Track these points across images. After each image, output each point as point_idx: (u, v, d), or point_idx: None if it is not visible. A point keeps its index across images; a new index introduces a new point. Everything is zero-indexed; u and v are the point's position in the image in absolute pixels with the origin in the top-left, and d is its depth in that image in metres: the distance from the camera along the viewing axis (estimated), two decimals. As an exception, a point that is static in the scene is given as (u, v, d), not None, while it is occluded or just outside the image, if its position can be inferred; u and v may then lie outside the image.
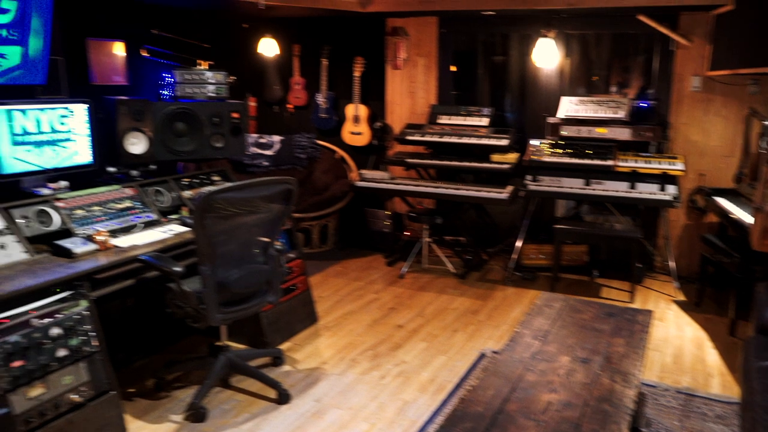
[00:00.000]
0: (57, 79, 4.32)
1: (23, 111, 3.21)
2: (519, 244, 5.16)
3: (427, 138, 5.36)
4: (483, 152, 5.27)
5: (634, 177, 4.76)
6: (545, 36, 5.05)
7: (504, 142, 5.12)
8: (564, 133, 5.05)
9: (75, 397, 2.58)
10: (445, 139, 5.29)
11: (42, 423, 2.45)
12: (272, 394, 3.23)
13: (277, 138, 6.04)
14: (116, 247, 2.99)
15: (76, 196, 3.17)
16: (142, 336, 3.64)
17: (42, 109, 3.29)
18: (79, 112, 3.49)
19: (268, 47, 5.84)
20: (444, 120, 5.48)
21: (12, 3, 3.48)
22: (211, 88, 4.11)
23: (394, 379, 3.47)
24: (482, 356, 3.75)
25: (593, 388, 2.30)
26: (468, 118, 5.43)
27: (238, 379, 3.38)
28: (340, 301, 4.65)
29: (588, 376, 2.40)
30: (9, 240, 2.76)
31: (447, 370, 3.57)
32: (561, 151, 4.99)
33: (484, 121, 5.36)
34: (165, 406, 3.14)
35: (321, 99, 5.99)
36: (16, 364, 2.39)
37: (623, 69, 5.59)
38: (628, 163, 4.79)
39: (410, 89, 5.82)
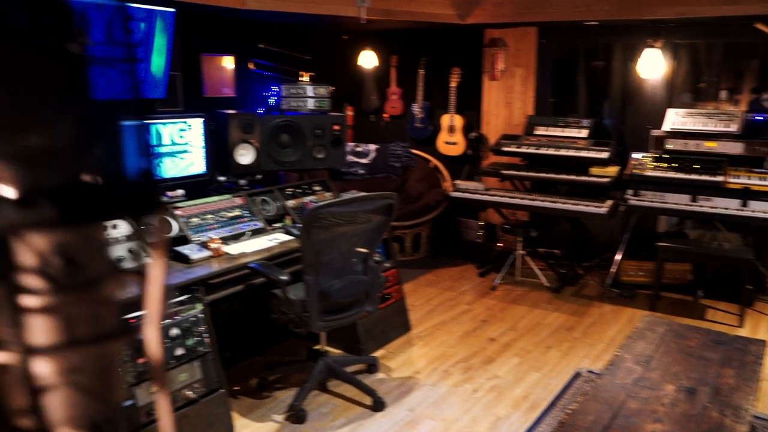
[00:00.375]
0: (174, 92, 4.65)
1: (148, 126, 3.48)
2: (617, 259, 5.01)
3: (524, 149, 5.31)
4: (581, 165, 5.16)
5: (746, 194, 4.50)
6: (652, 46, 4.88)
7: (604, 155, 4.99)
8: (669, 146, 4.86)
9: (189, 394, 2.78)
10: (542, 150, 5.23)
11: (161, 416, 2.65)
12: (367, 400, 3.32)
13: (372, 147, 6.18)
14: (227, 254, 3.18)
15: (192, 205, 3.41)
16: (245, 337, 3.85)
17: (164, 123, 3.55)
18: (196, 125, 3.73)
19: (368, 59, 5.99)
20: (541, 131, 5.41)
21: (140, 25, 3.77)
22: (314, 101, 4.27)
23: (486, 393, 3.48)
24: (578, 375, 3.68)
25: (701, 421, 2.23)
26: (566, 129, 5.33)
27: (335, 383, 3.50)
28: (432, 311, 4.70)
29: (695, 407, 2.31)
30: (136, 245, 3.01)
31: (541, 388, 3.53)
32: (665, 165, 4.80)
33: (584, 133, 5.25)
34: (267, 405, 3.31)
35: (417, 109, 6.07)
36: (141, 360, 2.61)
37: (735, 79, 5.30)
38: (740, 180, 4.54)
39: (507, 100, 5.79)
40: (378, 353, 3.93)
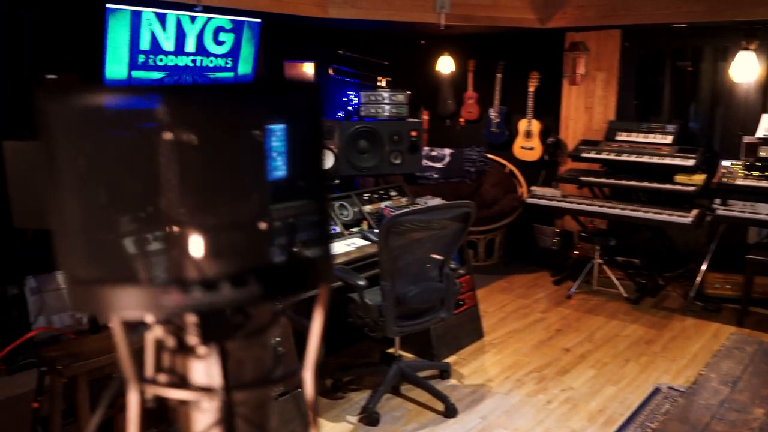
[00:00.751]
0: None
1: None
2: (702, 270, 4.81)
3: (604, 156, 5.18)
4: (665, 172, 4.97)
5: None
6: (746, 48, 4.65)
7: (690, 163, 4.80)
8: (763, 154, 4.61)
9: (269, 391, 2.90)
10: (624, 157, 5.08)
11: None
12: (440, 406, 3.35)
13: (447, 151, 6.19)
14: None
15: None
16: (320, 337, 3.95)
17: (250, 130, 3.71)
18: (279, 131, 3.87)
19: (445, 64, 6.01)
20: (623, 137, 5.26)
21: (229, 35, 3.95)
22: (392, 108, 4.34)
23: (560, 404, 3.43)
24: (657, 391, 3.57)
25: (793, 448, 2.12)
26: (650, 135, 5.16)
27: (407, 388, 3.55)
28: (505, 318, 4.67)
29: (786, 434, 2.21)
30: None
31: (617, 402, 3.45)
32: (758, 173, 4.57)
33: (668, 139, 5.07)
34: (342, 406, 3.40)
35: (493, 113, 6.03)
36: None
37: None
38: (840, 191, 4.26)
39: (587, 104, 5.66)
40: (450, 359, 3.95)
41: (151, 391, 0.60)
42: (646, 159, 4.99)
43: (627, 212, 4.81)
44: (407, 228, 2.96)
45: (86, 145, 0.53)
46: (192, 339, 0.58)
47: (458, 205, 3.02)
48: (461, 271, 4.07)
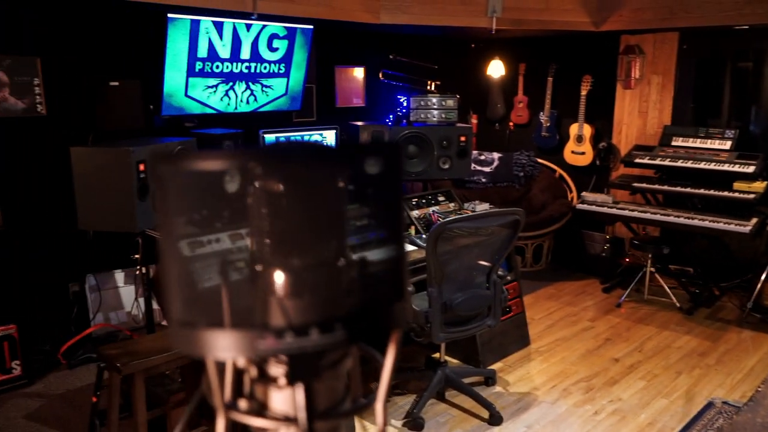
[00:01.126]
0: (310, 103, 4.92)
1: (287, 137, 3.73)
2: (761, 280, 4.64)
3: (659, 161, 5.06)
4: (722, 179, 4.82)
5: None
6: (810, 52, 4.47)
7: (749, 170, 4.64)
8: (828, 162, 4.43)
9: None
10: (680, 163, 4.95)
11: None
12: (484, 413, 3.34)
13: (496, 155, 6.15)
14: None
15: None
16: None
17: (301, 136, 3.79)
18: (330, 136, 3.94)
19: (495, 68, 5.98)
20: (678, 142, 5.12)
21: (282, 42, 4.04)
22: (441, 113, 4.35)
23: (608, 416, 3.38)
24: (710, 405, 3.47)
25: None
26: (707, 140, 5.01)
27: (452, 393, 3.56)
28: (552, 326, 4.62)
29: None
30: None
31: (668, 415, 3.38)
32: (822, 183, 4.38)
33: (727, 145, 4.91)
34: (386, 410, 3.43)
35: (543, 117, 5.96)
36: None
37: None
38: None
39: (641, 109, 5.53)
40: (496, 366, 3.94)
41: (235, 418, 0.65)
42: (703, 165, 4.85)
43: (682, 220, 4.69)
44: (455, 234, 2.97)
45: (191, 202, 0.59)
46: (274, 370, 0.64)
47: (508, 212, 3.01)
48: (508, 278, 4.05)
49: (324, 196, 0.61)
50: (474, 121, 6.43)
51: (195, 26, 3.59)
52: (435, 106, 4.32)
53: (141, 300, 3.79)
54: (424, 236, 3.76)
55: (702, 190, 4.81)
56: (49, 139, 3.91)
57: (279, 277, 0.61)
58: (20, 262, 3.85)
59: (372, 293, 0.63)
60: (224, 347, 0.58)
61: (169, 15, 3.47)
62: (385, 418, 0.71)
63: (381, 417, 0.68)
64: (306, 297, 0.61)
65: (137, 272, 3.21)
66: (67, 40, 3.91)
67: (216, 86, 3.90)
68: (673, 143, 5.15)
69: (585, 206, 5.17)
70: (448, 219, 2.84)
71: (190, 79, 3.75)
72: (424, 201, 4.12)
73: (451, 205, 4.19)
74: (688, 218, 4.67)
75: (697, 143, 5.05)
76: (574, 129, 5.77)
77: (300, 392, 0.63)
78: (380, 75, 5.42)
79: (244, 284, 0.61)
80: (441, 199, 4.22)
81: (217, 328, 0.58)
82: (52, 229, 4.01)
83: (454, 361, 3.95)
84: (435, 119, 4.34)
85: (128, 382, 2.65)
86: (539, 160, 6.10)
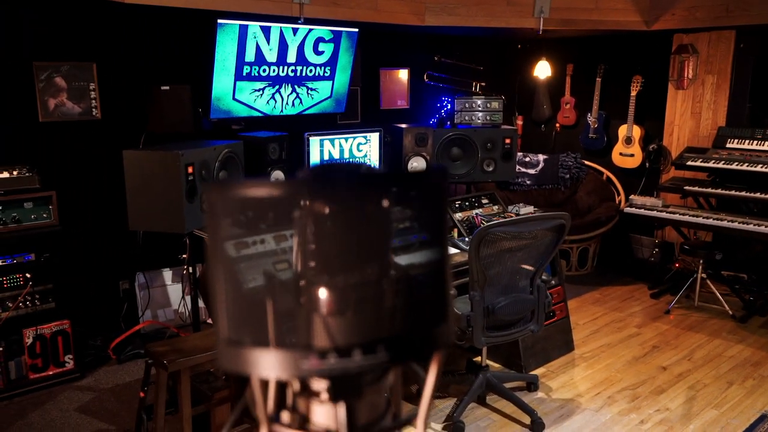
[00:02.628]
0: (354, 106, 4.95)
1: (331, 140, 3.76)
2: (820, 291, 4.45)
3: (712, 164, 4.90)
4: (780, 183, 4.64)
5: None
6: None
7: (809, 174, 4.45)
8: None
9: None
10: (735, 166, 4.78)
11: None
12: (526, 419, 3.30)
13: (541, 156, 6.06)
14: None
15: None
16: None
17: (345, 138, 3.81)
18: (374, 139, 3.96)
19: (542, 69, 5.89)
20: (733, 144, 4.95)
21: (328, 45, 4.07)
22: (486, 115, 4.31)
23: (655, 426, 3.29)
24: (763, 418, 3.35)
25: None
26: (764, 142, 4.83)
27: (493, 398, 3.53)
28: (597, 332, 4.53)
29: None
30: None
31: (718, 427, 3.27)
32: None
33: (785, 148, 4.72)
34: (427, 412, 3.42)
35: (591, 119, 5.85)
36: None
37: None
38: None
39: (694, 110, 5.37)
40: (538, 371, 3.88)
41: (278, 430, 0.68)
42: (759, 168, 4.67)
43: (736, 225, 4.53)
44: (499, 238, 2.94)
45: (241, 227, 0.62)
46: (317, 384, 0.66)
47: (553, 216, 2.97)
48: (553, 282, 3.99)
49: (369, 217, 0.62)
50: (519, 122, 6.36)
51: (243, 31, 3.66)
52: (480, 108, 4.29)
53: (188, 298, 3.89)
54: (467, 239, 3.74)
55: (758, 194, 4.64)
56: (103, 142, 4.05)
57: (323, 294, 0.62)
58: (74, 259, 4.00)
59: (415, 315, 0.64)
60: (269, 366, 0.59)
61: (219, 21, 3.54)
62: (425, 433, 0.72)
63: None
64: (349, 315, 0.62)
65: (184, 271, 3.30)
66: (121, 46, 4.04)
67: (263, 89, 3.97)
68: (728, 145, 4.97)
69: (633, 209, 5.05)
70: (491, 223, 2.82)
71: (238, 83, 3.82)
72: (467, 204, 4.09)
73: (495, 207, 4.15)
74: (743, 223, 4.51)
75: (754, 145, 4.86)
76: (623, 130, 5.64)
77: (342, 409, 0.64)
78: (425, 77, 5.41)
79: (288, 303, 0.62)
80: (485, 201, 4.19)
81: (262, 347, 0.60)
82: (104, 228, 4.16)
83: (496, 365, 3.92)
84: (479, 121, 4.30)
85: (174, 379, 2.72)
86: (586, 162, 5.98)
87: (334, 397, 0.64)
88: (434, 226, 0.65)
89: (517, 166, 6.09)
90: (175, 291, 4.37)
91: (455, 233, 3.86)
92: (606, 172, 5.92)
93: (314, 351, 0.59)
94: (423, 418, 0.70)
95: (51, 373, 3.62)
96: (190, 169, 2.89)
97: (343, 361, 0.59)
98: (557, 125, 6.21)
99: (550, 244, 3.11)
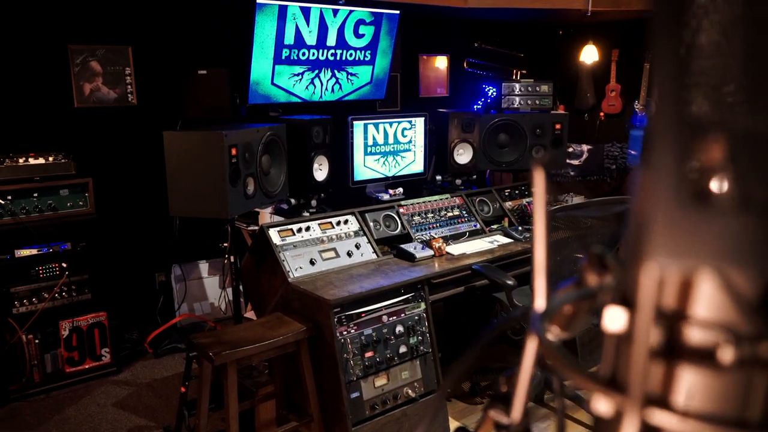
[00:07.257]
0: (394, 92, 4.77)
1: (375, 124, 3.59)
2: None
3: None
4: None
5: None
6: None
7: None
8: None
9: (410, 392, 2.79)
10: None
11: (383, 411, 2.70)
12: (588, 419, 3.09)
13: (585, 147, 5.82)
14: (448, 253, 3.15)
15: (414, 203, 3.43)
16: (455, 338, 3.81)
17: (390, 123, 3.63)
18: (419, 124, 3.77)
19: (589, 54, 5.66)
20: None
21: (369, 28, 3.90)
22: (535, 99, 4.10)
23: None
24: None
25: None
26: None
27: (552, 397, 3.32)
28: (653, 328, 4.28)
29: None
30: (363, 241, 3.10)
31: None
32: None
33: None
34: (479, 411, 3.23)
35: (639, 106, 5.59)
36: (368, 354, 2.67)
37: None
38: None
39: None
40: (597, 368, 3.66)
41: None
42: None
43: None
44: (561, 224, 2.74)
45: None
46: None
47: (618, 201, 2.76)
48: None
49: None
50: (561, 111, 6.12)
51: (282, 12, 3.50)
52: (528, 92, 4.09)
53: (229, 290, 3.75)
54: (519, 228, 3.53)
55: None
56: (139, 128, 3.93)
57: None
58: (110, 249, 3.87)
59: None
60: None
61: (258, 0, 3.39)
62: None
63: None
64: None
65: (225, 261, 3.14)
66: (157, 29, 3.92)
67: (302, 74, 3.81)
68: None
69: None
70: (556, 206, 2.62)
71: (277, 67, 3.67)
72: (516, 192, 3.89)
73: (570, 203, 3.94)
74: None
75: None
76: (672, 118, 5.37)
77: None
78: (464, 64, 5.21)
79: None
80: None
81: None
82: (140, 217, 4.03)
83: (550, 362, 3.70)
84: (528, 106, 4.10)
85: (219, 373, 2.56)
86: (634, 152, 5.72)
87: None
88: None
89: (560, 158, 5.86)
90: (211, 284, 4.24)
91: (506, 222, 3.66)
92: (654, 163, 5.66)
93: None
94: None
95: (87, 366, 3.50)
96: (233, 151, 2.73)
97: None
98: (601, 114, 5.96)
99: (614, 230, 2.89)
